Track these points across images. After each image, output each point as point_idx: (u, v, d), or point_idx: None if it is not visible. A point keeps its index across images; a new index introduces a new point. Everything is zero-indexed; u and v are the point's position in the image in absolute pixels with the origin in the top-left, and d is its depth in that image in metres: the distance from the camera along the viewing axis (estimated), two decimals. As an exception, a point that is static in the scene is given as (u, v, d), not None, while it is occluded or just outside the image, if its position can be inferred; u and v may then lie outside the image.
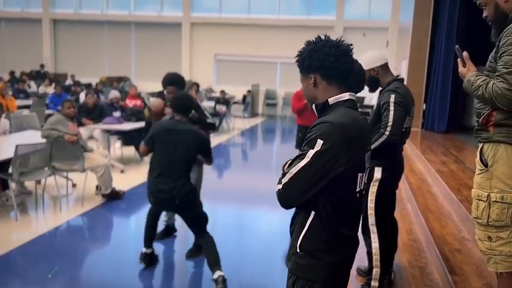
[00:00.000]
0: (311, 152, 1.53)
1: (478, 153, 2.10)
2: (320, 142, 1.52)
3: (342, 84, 1.67)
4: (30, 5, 19.20)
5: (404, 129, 2.86)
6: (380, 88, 2.98)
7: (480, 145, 2.08)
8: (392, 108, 2.76)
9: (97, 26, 18.71)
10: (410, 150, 7.17)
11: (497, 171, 1.99)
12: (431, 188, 4.93)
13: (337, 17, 16.41)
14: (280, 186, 1.58)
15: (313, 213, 1.60)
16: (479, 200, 2.06)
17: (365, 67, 2.86)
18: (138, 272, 3.95)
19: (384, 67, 2.99)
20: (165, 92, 4.38)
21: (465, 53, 2.20)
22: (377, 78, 2.94)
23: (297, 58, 1.71)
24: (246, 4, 17.43)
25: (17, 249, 4.32)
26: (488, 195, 2.01)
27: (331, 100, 1.65)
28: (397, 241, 3.19)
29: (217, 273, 3.51)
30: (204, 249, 3.73)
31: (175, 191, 3.53)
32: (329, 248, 1.60)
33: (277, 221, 5.22)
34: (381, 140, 2.76)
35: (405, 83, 3.06)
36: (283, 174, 1.58)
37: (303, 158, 1.53)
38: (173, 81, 4.33)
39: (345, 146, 1.53)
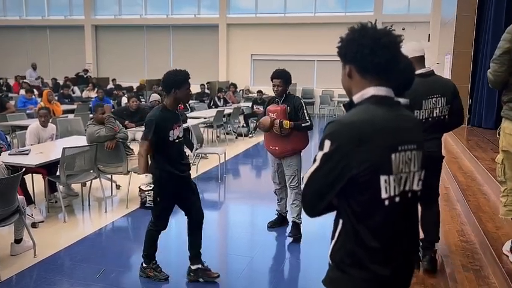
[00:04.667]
0: (320, 154, 1.42)
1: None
2: (327, 143, 1.40)
3: (380, 79, 1.49)
4: (73, 12, 19.87)
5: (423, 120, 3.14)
6: None
7: None
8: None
9: (136, 30, 19.13)
10: (456, 147, 6.91)
11: (499, 139, 2.89)
12: (482, 187, 4.70)
13: (375, 13, 16.05)
14: (301, 194, 1.50)
15: (341, 221, 1.49)
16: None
17: None
18: (183, 272, 3.97)
19: (418, 60, 3.05)
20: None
21: None
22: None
23: (338, 44, 1.55)
24: (281, 3, 17.35)
25: (66, 249, 4.45)
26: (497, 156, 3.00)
27: (355, 98, 1.51)
28: None
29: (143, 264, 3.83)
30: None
31: None
32: (354, 261, 1.46)
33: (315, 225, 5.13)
34: None
35: (448, 77, 3.35)
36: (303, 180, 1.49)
37: (315, 162, 1.43)
38: (277, 74, 4.61)
39: (356, 145, 1.37)
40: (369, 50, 1.45)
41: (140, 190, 3.56)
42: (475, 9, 8.22)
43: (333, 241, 1.53)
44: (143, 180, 3.51)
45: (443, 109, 3.19)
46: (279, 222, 5.02)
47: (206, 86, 15.60)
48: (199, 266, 3.81)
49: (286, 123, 4.42)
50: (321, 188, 1.43)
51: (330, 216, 1.58)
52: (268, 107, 4.67)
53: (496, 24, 7.57)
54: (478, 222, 3.66)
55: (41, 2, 20.20)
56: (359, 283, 1.47)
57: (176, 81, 3.52)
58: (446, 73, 8.98)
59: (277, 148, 4.60)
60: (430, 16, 13.76)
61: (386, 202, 1.43)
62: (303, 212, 3.80)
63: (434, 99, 3.16)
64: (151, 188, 3.52)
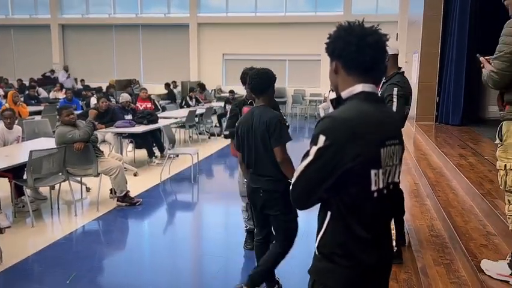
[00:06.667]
0: (314, 149, 1.45)
1: (497, 130, 2.55)
2: (322, 138, 1.43)
3: (365, 76, 1.53)
4: (38, 11, 19.33)
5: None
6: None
7: (501, 123, 2.52)
8: (395, 100, 3.23)
9: (105, 29, 18.77)
10: (425, 143, 7.06)
11: (509, 145, 2.45)
12: (450, 183, 4.82)
13: (344, 13, 16.26)
14: (291, 187, 1.52)
15: (329, 213, 1.52)
16: (500, 169, 2.50)
17: None
18: (155, 275, 3.92)
19: (394, 58, 3.32)
20: (245, 87, 4.11)
21: (481, 58, 2.63)
22: (385, 66, 3.03)
23: (326, 40, 1.59)
24: (252, 3, 17.36)
25: (34, 255, 4.31)
26: (505, 165, 2.46)
27: (343, 94, 1.55)
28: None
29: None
30: (266, 255, 3.33)
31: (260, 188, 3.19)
32: (344, 252, 1.51)
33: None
34: None
35: (417, 75, 3.49)
36: (294, 174, 1.52)
37: (308, 156, 1.47)
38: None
39: (350, 140, 1.42)
40: (355, 48, 1.49)
41: None
42: (441, 9, 8.42)
43: (321, 233, 1.55)
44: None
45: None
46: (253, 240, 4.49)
47: (172, 85, 15.52)
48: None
49: None
50: (313, 182, 1.46)
51: (306, 213, 1.59)
52: (245, 109, 4.23)
53: (461, 24, 7.79)
54: (448, 217, 3.74)
55: (4, 0, 19.57)
56: (347, 272, 1.52)
57: (273, 76, 3.25)
58: (414, 71, 9.18)
59: None
60: (398, 16, 14.04)
61: (375, 194, 1.49)
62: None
63: (411, 96, 3.49)
64: None
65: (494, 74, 2.44)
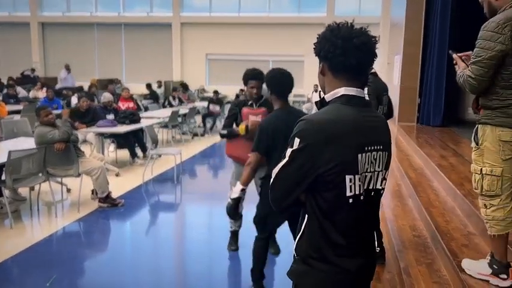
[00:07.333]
0: (289, 151, 1.45)
1: (473, 133, 2.49)
2: (297, 141, 1.43)
3: (352, 79, 1.49)
4: (17, 9, 18.98)
5: None
6: None
7: (476, 126, 2.49)
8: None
9: (86, 28, 18.54)
10: (407, 144, 7.14)
11: (485, 149, 2.41)
12: (432, 183, 4.87)
13: (327, 14, 16.39)
14: (270, 187, 1.52)
15: (306, 216, 1.52)
16: (475, 173, 2.48)
17: None
18: (136, 278, 3.87)
19: None
20: (246, 88, 4.14)
21: (454, 55, 2.58)
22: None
23: (315, 41, 1.56)
24: (236, 3, 17.35)
25: (13, 258, 4.22)
26: (481, 169, 2.43)
27: (327, 97, 1.53)
28: None
29: None
30: None
31: None
32: (320, 256, 1.50)
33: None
34: None
35: (398, 76, 3.42)
36: (272, 175, 1.52)
37: (284, 158, 1.47)
38: (258, 75, 4.06)
39: (323, 144, 1.40)
40: (341, 51, 1.46)
41: None
42: (423, 12, 8.53)
43: (299, 235, 1.55)
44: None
45: (386, 106, 3.59)
46: (237, 241, 4.54)
47: (157, 84, 15.41)
48: None
49: None
50: (288, 184, 1.46)
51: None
52: (245, 110, 4.16)
53: (442, 26, 7.90)
54: (429, 217, 3.78)
55: (-18, -3, 19.19)
56: (324, 276, 1.51)
57: None
58: (396, 73, 9.28)
59: None
60: (380, 18, 14.20)
61: (350, 200, 1.47)
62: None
63: (385, 96, 3.56)
64: None
65: (472, 80, 2.35)
